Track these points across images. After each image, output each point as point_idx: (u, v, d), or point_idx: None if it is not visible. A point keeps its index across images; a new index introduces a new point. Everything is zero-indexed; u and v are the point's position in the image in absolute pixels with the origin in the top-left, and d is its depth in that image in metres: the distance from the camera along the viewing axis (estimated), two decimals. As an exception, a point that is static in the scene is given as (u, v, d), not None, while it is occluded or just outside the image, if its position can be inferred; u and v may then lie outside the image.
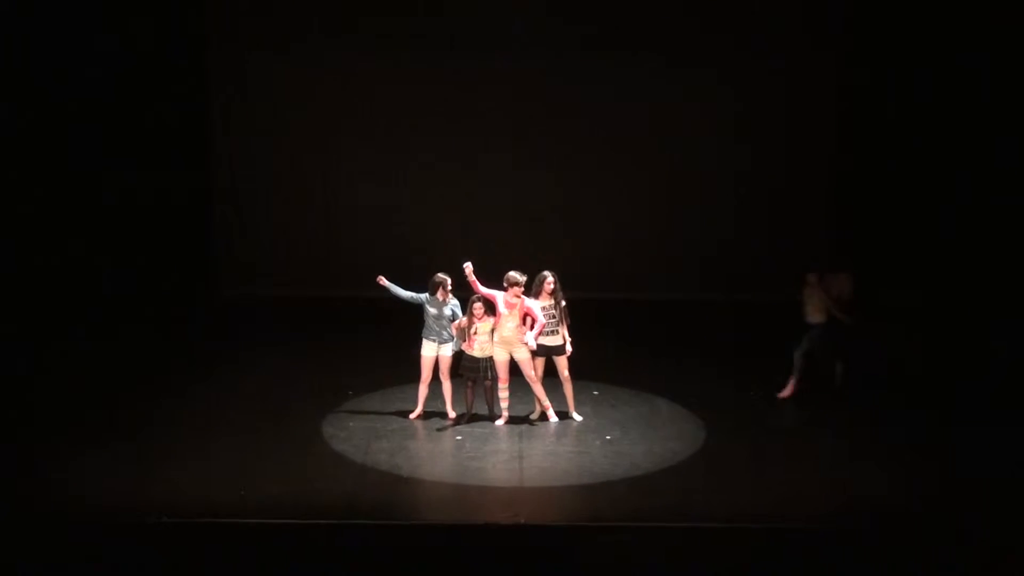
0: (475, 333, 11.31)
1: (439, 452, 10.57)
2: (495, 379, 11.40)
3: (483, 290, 11.23)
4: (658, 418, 11.62)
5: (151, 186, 15.91)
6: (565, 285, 11.57)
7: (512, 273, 11.25)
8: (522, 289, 11.19)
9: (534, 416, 11.59)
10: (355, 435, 10.83)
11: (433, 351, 11.46)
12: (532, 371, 11.29)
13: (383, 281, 11.43)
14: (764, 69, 16.30)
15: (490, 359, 11.37)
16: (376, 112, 16.67)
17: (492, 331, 11.32)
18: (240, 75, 16.58)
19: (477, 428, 11.13)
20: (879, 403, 12.05)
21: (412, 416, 11.50)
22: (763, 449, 10.74)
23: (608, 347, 13.23)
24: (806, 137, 16.61)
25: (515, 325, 11.24)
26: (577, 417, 11.55)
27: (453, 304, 11.46)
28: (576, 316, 11.57)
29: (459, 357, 11.57)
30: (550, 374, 11.57)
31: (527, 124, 16.73)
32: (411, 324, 11.61)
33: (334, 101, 16.61)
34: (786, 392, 12.05)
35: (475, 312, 11.28)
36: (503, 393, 11.46)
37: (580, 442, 10.81)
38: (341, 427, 11.11)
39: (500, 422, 11.40)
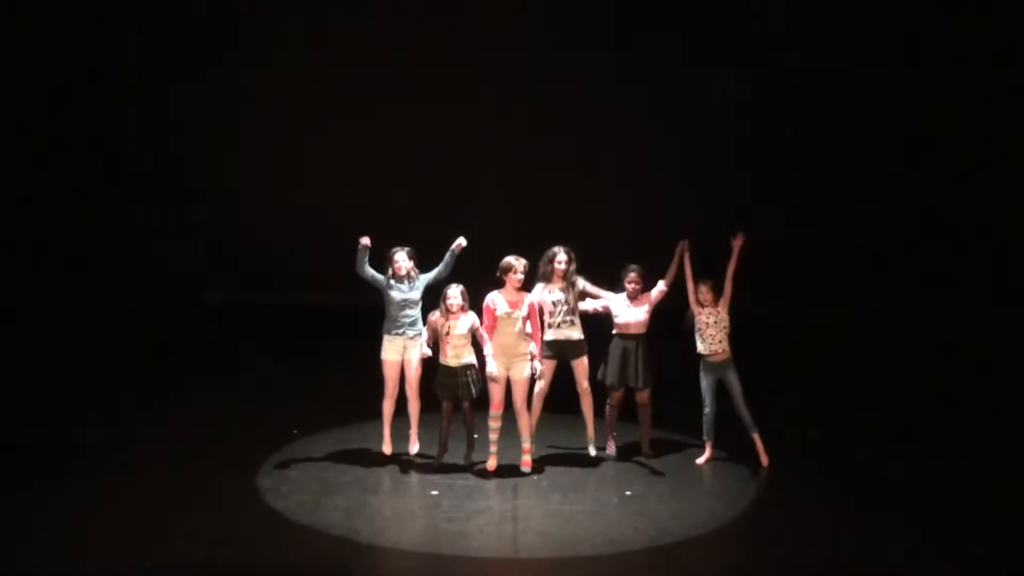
0: (448, 333, 9.50)
1: (408, 511, 9.28)
2: (471, 398, 9.66)
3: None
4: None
5: (56, 187, 15.99)
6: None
7: (509, 259, 9.63)
8: (522, 277, 9.59)
9: (525, 468, 9.90)
10: (301, 488, 9.62)
11: (397, 354, 9.77)
12: (525, 395, 9.72)
13: (365, 243, 9.67)
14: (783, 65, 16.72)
15: (472, 369, 9.60)
16: (299, 109, 17.02)
17: (473, 332, 9.57)
18: (153, 75, 17.17)
19: (458, 479, 9.76)
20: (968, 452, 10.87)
21: (385, 449, 10.02)
22: (827, 508, 9.39)
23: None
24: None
25: (518, 330, 9.54)
26: (594, 452, 10.15)
27: (426, 280, 9.81)
28: (588, 327, 10.26)
29: (433, 368, 9.85)
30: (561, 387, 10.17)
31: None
32: (372, 337, 10.16)
33: (251, 99, 17.07)
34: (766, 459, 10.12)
35: (448, 302, 9.46)
36: (493, 423, 9.73)
37: (592, 498, 9.48)
38: (282, 478, 9.87)
39: (490, 463, 9.80)
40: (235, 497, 9.42)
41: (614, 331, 10.16)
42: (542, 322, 9.81)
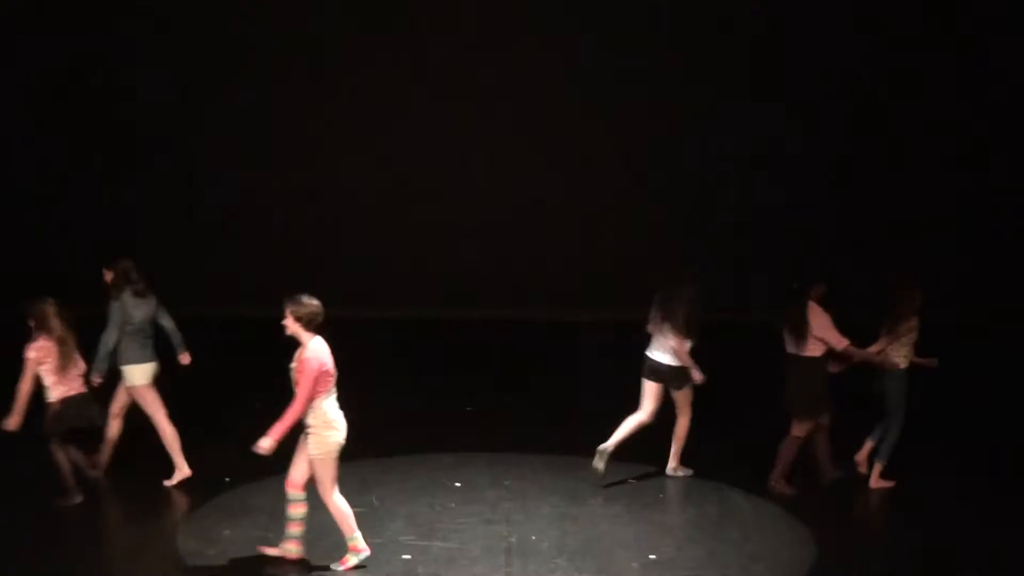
0: None
1: (374, 581, 7.99)
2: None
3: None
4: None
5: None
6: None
7: (306, 300, 7.54)
8: (289, 324, 7.52)
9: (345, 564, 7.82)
10: (234, 550, 8.40)
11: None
12: (328, 482, 7.53)
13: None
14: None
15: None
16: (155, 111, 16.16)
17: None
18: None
19: (435, 542, 8.42)
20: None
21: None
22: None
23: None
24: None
25: (307, 397, 7.38)
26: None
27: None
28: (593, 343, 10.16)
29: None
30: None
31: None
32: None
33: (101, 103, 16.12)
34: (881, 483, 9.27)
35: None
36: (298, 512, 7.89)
37: (607, 563, 8.23)
38: (211, 540, 8.63)
39: (271, 550, 7.98)
40: (149, 563, 8.31)
41: (823, 355, 8.99)
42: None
